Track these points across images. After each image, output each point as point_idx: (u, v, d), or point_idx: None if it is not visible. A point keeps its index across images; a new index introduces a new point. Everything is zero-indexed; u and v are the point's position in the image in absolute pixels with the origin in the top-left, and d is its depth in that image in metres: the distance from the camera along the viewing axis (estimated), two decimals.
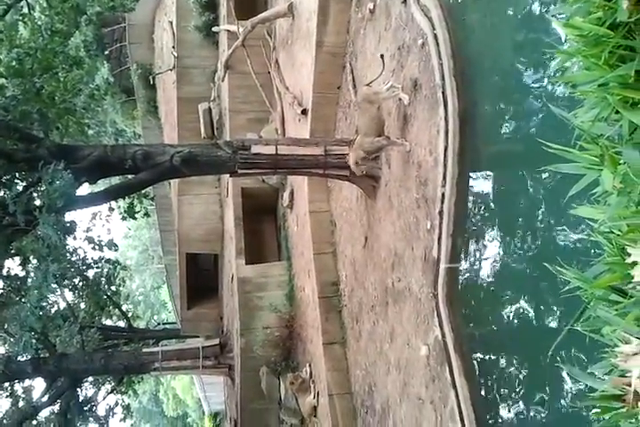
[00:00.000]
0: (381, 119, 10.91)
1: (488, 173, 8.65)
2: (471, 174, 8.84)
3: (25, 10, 21.30)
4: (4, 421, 18.36)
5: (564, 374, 6.44)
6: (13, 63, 13.89)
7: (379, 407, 11.72)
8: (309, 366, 15.61)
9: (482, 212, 8.71)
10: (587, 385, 4.15)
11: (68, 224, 11.41)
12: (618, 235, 3.42)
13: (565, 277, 3.73)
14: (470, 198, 8.86)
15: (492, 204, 8.54)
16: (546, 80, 7.20)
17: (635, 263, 3.23)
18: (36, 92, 13.19)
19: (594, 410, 3.41)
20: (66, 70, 17.23)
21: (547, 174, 6.87)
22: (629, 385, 3.12)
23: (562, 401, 6.68)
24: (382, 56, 10.60)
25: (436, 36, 9.50)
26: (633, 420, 3.07)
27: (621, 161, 3.40)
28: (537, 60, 7.45)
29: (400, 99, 10.44)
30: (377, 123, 10.85)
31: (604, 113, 3.53)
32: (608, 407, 3.20)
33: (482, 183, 8.81)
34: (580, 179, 3.68)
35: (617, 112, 3.47)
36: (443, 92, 9.13)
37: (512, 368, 7.90)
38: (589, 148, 3.63)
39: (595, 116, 3.57)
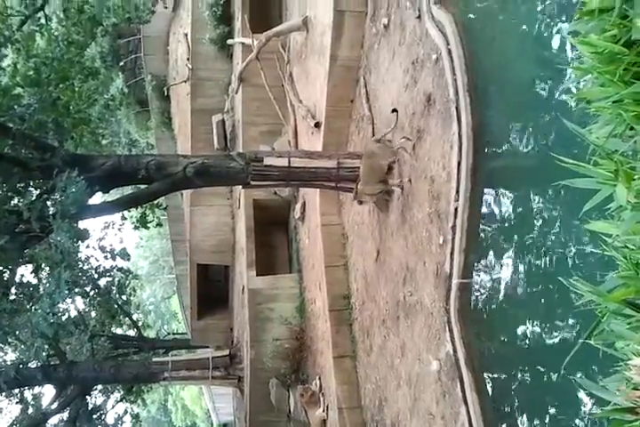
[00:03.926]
0: (383, 168, 11.31)
1: (501, 187, 8.64)
2: (484, 189, 8.84)
3: (42, 20, 21.48)
4: None
5: (577, 389, 6.42)
6: (30, 73, 14.02)
7: (389, 422, 11.67)
8: (319, 378, 15.56)
9: (495, 227, 8.70)
10: (600, 399, 4.15)
11: (81, 231, 11.50)
12: (632, 249, 3.44)
13: (579, 291, 3.74)
14: (483, 213, 8.86)
15: (505, 219, 8.54)
16: (559, 96, 7.23)
17: None
18: (51, 102, 13.28)
19: (607, 423, 3.41)
20: (81, 80, 17.37)
21: (560, 190, 6.88)
22: None
23: (574, 416, 6.65)
24: (395, 111, 11.03)
25: (449, 52, 9.56)
26: None
27: (636, 176, 3.42)
28: (551, 77, 7.47)
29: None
30: (378, 171, 11.30)
31: (618, 129, 3.57)
32: (621, 420, 3.21)
33: (495, 198, 8.80)
34: (594, 194, 3.70)
35: (631, 128, 3.51)
36: (456, 107, 9.17)
37: (524, 384, 7.87)
38: (604, 163, 3.66)
39: (609, 132, 3.61)
